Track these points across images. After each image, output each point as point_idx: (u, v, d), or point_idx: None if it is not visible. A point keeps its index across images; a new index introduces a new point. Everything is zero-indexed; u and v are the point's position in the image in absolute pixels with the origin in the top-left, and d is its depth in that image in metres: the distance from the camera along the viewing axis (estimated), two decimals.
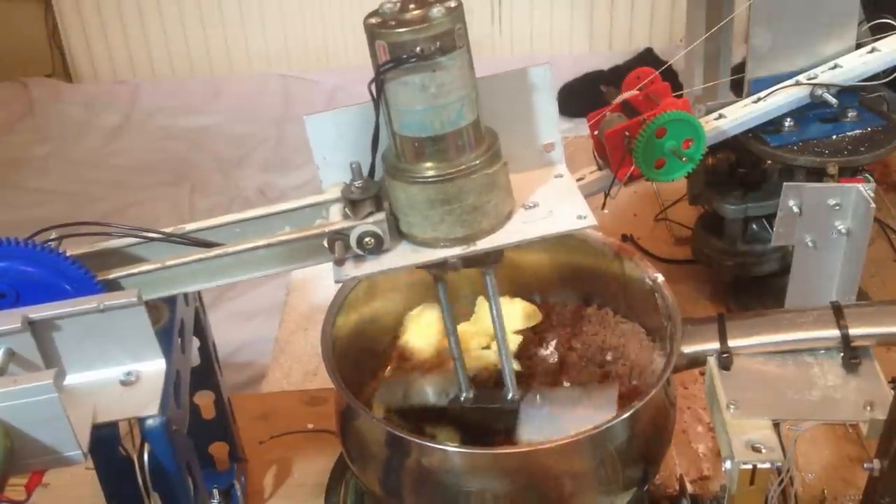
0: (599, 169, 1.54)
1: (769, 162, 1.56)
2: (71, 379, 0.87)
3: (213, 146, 2.79)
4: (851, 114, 1.50)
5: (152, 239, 0.94)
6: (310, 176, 2.55)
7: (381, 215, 0.90)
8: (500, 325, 1.03)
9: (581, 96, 2.52)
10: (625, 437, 1.01)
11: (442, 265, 0.95)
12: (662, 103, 1.44)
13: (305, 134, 0.95)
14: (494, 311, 1.02)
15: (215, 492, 1.27)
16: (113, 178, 2.68)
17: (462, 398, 1.07)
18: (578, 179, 1.50)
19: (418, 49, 0.82)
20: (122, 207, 2.50)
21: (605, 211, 1.52)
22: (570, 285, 1.26)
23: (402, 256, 0.93)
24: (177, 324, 0.98)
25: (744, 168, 1.60)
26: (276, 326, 1.86)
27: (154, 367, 0.89)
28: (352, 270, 0.92)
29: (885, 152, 1.47)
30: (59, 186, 2.65)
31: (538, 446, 1.01)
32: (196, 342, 1.14)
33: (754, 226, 1.63)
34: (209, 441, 1.29)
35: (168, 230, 0.94)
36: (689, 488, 1.22)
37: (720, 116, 1.49)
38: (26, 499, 0.83)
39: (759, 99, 1.49)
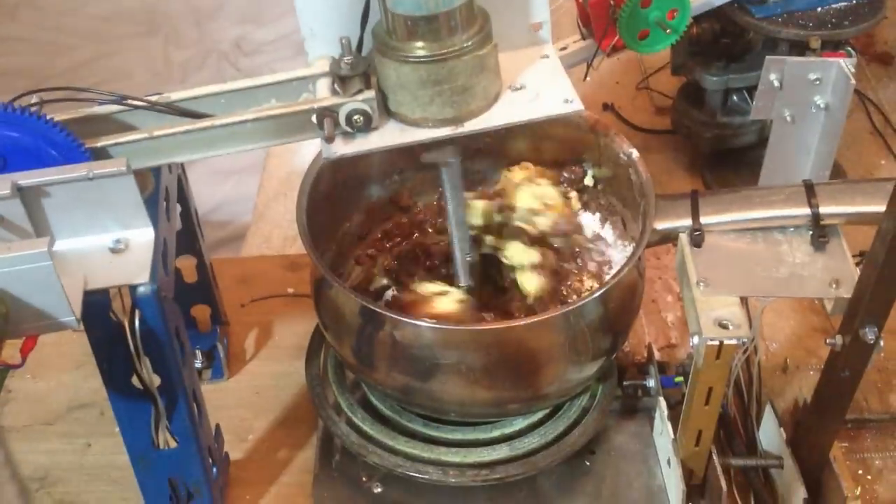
0: (583, 38, 1.52)
1: (752, 33, 1.55)
2: (60, 245, 0.88)
3: None
4: None
5: (138, 107, 0.93)
6: (286, 30, 2.50)
7: (370, 93, 0.90)
8: (455, 217, 1.04)
9: None
10: (597, 312, 1.04)
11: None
12: None
13: None
14: (451, 206, 1.03)
15: (198, 353, 1.31)
16: (85, 28, 2.62)
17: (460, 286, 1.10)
18: (561, 49, 1.48)
19: None
20: (94, 59, 2.45)
21: (588, 79, 1.51)
22: (546, 158, 1.25)
23: (391, 135, 0.93)
24: (162, 192, 0.99)
25: (727, 38, 1.59)
26: (255, 186, 1.86)
27: (142, 235, 0.90)
28: (341, 147, 0.92)
29: (867, 26, 1.46)
30: (28, 34, 2.59)
31: (512, 323, 1.06)
32: (178, 208, 1.15)
33: (734, 97, 1.63)
34: (191, 303, 1.32)
35: (153, 98, 0.94)
36: (657, 356, 1.26)
37: None
38: (22, 362, 0.86)
39: None
